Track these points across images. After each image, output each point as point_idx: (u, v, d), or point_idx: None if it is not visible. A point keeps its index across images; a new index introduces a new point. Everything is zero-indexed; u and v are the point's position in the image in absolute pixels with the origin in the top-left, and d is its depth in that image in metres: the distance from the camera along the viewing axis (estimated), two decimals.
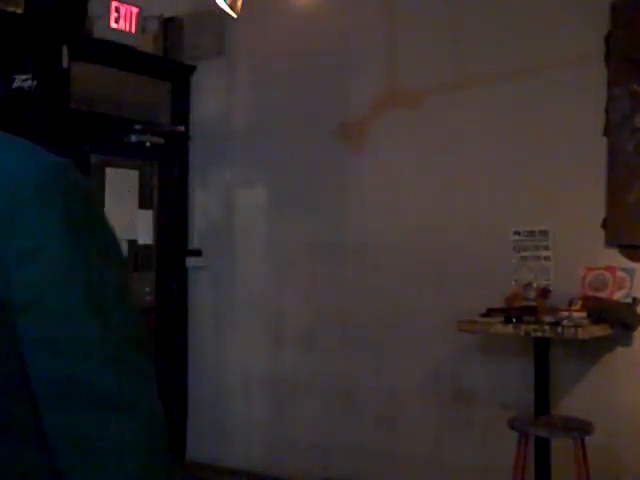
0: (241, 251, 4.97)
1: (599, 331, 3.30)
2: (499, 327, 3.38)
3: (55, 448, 0.92)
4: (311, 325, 4.62)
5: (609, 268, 3.52)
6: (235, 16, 3.88)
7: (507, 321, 3.36)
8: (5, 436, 0.91)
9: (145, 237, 5.00)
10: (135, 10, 4.69)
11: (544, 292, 3.63)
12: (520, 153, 3.85)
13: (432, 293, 4.13)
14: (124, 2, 4.62)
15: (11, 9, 4.24)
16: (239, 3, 3.80)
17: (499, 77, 3.91)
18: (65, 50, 4.38)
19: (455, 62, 4.08)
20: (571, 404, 3.61)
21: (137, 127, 4.83)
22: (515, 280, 3.81)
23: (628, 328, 3.43)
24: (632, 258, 3.51)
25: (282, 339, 4.75)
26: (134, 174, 4.96)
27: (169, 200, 5.11)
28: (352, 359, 4.43)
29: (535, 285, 3.65)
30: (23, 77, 4.17)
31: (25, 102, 4.22)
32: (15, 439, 0.92)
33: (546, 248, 3.75)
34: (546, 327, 3.23)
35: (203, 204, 5.15)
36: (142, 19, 4.75)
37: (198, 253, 5.11)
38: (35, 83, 4.19)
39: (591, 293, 3.52)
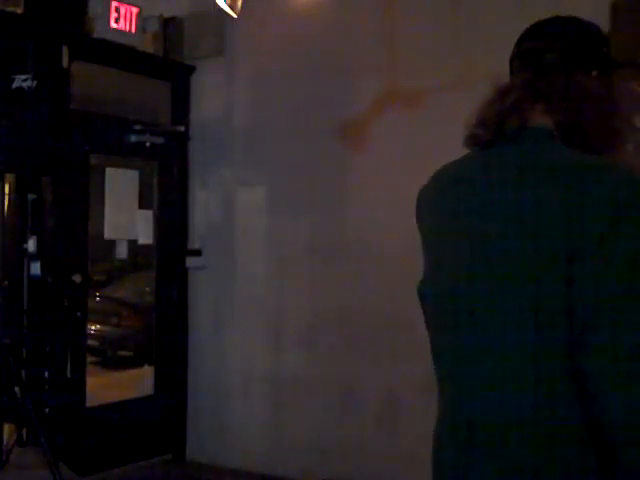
0: (241, 251, 4.97)
1: None
2: None
3: (591, 371, 1.19)
4: (311, 325, 4.62)
5: None
6: (235, 16, 3.88)
7: None
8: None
9: (145, 237, 5.00)
10: (135, 10, 4.69)
11: None
12: None
13: None
14: (124, 2, 4.62)
15: (11, 9, 4.24)
16: (239, 3, 3.80)
17: (499, 77, 3.90)
18: (65, 50, 4.38)
19: (455, 61, 4.08)
20: None
21: (137, 127, 4.83)
22: None
23: None
24: None
25: (282, 339, 4.75)
26: (134, 174, 4.96)
27: (169, 200, 5.11)
28: (352, 359, 4.43)
29: None
30: (23, 77, 4.17)
31: (25, 102, 4.22)
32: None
33: None
34: None
35: (203, 204, 5.15)
36: (142, 19, 4.75)
37: (198, 253, 5.11)
38: (35, 83, 4.19)
39: None
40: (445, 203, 1.43)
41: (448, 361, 1.42)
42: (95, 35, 4.57)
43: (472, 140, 1.42)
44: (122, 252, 4.93)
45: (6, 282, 4.40)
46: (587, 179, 1.22)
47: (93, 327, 5.40)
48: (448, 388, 1.43)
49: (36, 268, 4.40)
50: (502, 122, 1.35)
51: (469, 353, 1.34)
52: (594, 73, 1.38)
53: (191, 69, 5.14)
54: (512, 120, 1.35)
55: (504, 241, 1.28)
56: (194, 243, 5.16)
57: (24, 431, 4.24)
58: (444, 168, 1.52)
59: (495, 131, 1.36)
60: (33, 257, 4.41)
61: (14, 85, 4.17)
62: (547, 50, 1.37)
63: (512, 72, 1.50)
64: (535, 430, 1.24)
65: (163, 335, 5.09)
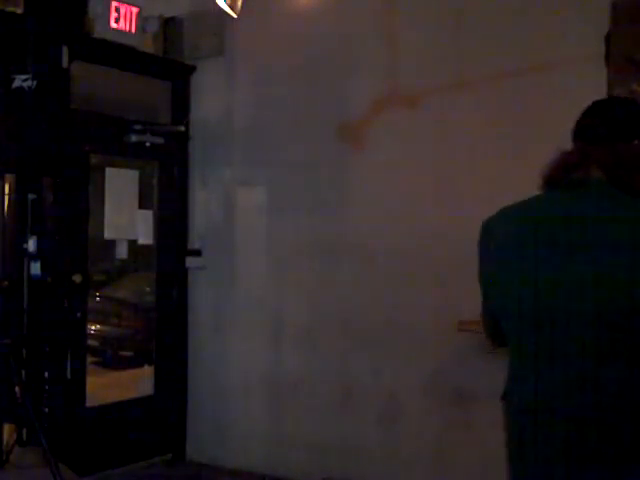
0: (241, 251, 4.97)
1: None
2: None
3: None
4: (311, 325, 4.62)
5: None
6: (235, 16, 3.88)
7: None
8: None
9: (145, 237, 5.00)
10: (135, 10, 4.69)
11: None
12: (520, 153, 3.85)
13: (432, 293, 4.13)
14: (124, 2, 4.62)
15: (11, 9, 4.24)
16: (239, 3, 3.80)
17: (499, 77, 3.91)
18: (65, 50, 4.39)
19: (455, 62, 4.08)
20: None
21: (137, 127, 4.83)
22: None
23: None
24: None
25: (282, 339, 4.75)
26: (134, 174, 4.96)
27: (169, 200, 5.11)
28: (352, 359, 4.43)
29: None
30: (23, 77, 4.17)
31: (25, 102, 4.22)
32: None
33: None
34: None
35: (203, 204, 5.15)
36: (142, 19, 4.75)
37: (198, 253, 5.11)
38: (35, 83, 4.19)
39: None
40: (536, 234, 1.90)
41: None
42: (95, 35, 4.57)
43: (547, 185, 1.89)
44: (122, 252, 4.93)
45: (6, 282, 4.40)
46: None
47: (93, 327, 5.40)
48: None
49: (36, 268, 4.40)
50: (570, 172, 1.82)
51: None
52: (635, 142, 1.82)
53: (191, 69, 5.14)
54: (578, 172, 1.81)
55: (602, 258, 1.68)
56: (194, 243, 5.16)
57: (24, 431, 4.23)
58: (518, 205, 2.05)
59: (565, 179, 1.83)
60: (33, 257, 4.40)
61: (14, 85, 4.17)
62: (598, 125, 1.84)
63: (574, 140, 1.90)
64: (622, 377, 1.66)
65: (163, 335, 5.09)
